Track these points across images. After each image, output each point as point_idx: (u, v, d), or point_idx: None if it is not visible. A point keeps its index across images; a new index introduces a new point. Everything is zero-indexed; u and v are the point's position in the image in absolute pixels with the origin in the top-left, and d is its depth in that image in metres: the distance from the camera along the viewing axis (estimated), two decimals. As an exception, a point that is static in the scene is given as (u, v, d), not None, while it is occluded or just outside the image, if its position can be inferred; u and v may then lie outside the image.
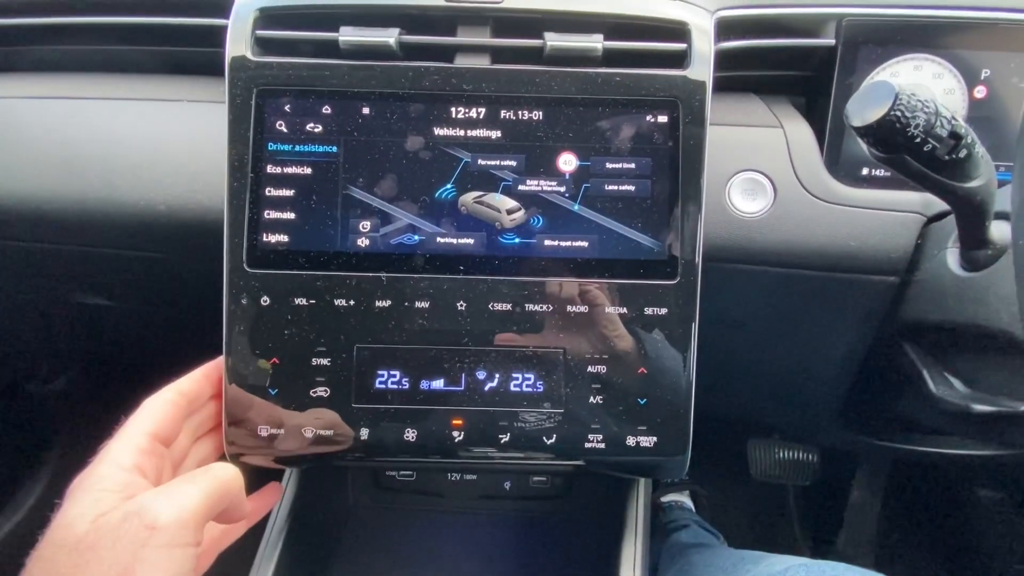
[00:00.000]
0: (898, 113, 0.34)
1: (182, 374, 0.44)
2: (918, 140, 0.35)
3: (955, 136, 0.35)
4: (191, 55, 0.55)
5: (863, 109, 0.35)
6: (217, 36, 0.48)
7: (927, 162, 0.37)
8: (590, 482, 0.65)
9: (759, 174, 0.52)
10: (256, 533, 0.53)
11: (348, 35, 0.46)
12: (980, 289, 0.42)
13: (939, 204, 0.51)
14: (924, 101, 0.34)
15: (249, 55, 0.46)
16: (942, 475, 1.02)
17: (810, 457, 0.98)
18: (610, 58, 0.47)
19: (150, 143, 0.54)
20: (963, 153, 0.36)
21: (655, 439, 0.46)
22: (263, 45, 0.47)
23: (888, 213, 0.51)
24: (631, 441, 0.46)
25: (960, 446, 0.59)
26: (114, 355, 0.93)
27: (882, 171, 0.54)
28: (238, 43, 0.46)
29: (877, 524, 1.04)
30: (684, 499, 0.95)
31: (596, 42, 0.46)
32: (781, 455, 0.99)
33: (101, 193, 0.54)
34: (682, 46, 0.47)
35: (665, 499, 0.94)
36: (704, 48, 0.47)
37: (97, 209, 0.54)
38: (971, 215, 0.41)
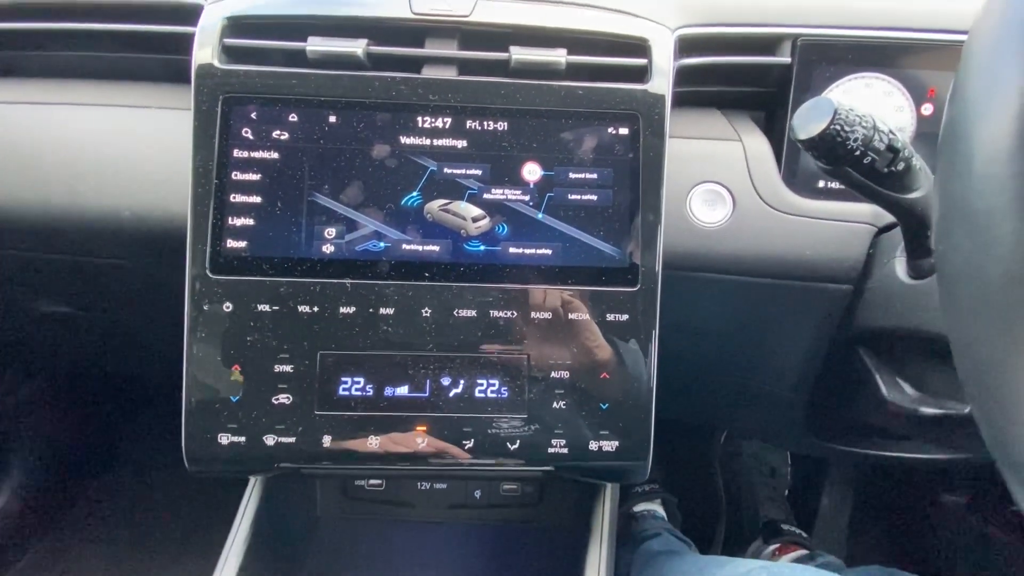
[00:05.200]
0: (837, 127, 0.35)
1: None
2: (857, 153, 0.36)
3: (892, 149, 0.37)
4: (159, 62, 0.55)
5: (807, 123, 0.37)
6: (186, 43, 0.49)
7: (868, 174, 0.39)
8: (560, 490, 0.65)
9: (719, 185, 0.53)
10: (218, 542, 0.52)
11: (316, 45, 0.47)
12: (924, 296, 0.44)
13: (889, 215, 0.53)
14: (862, 116, 0.36)
15: (216, 63, 0.47)
16: (909, 479, 1.05)
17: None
18: (574, 71, 0.48)
19: (116, 149, 0.53)
20: (901, 166, 0.38)
21: (617, 443, 0.46)
22: (230, 53, 0.48)
23: (841, 224, 0.53)
24: (593, 446, 0.46)
25: (916, 450, 0.61)
26: (79, 364, 0.91)
27: (837, 184, 0.57)
28: (205, 50, 0.47)
29: (847, 528, 1.06)
30: (656, 508, 0.95)
31: (560, 56, 0.47)
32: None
33: (65, 199, 0.53)
34: (643, 61, 0.49)
35: (637, 508, 0.94)
36: (664, 64, 0.49)
37: (61, 215, 0.53)
38: (914, 225, 0.42)
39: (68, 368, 0.99)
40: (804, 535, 0.95)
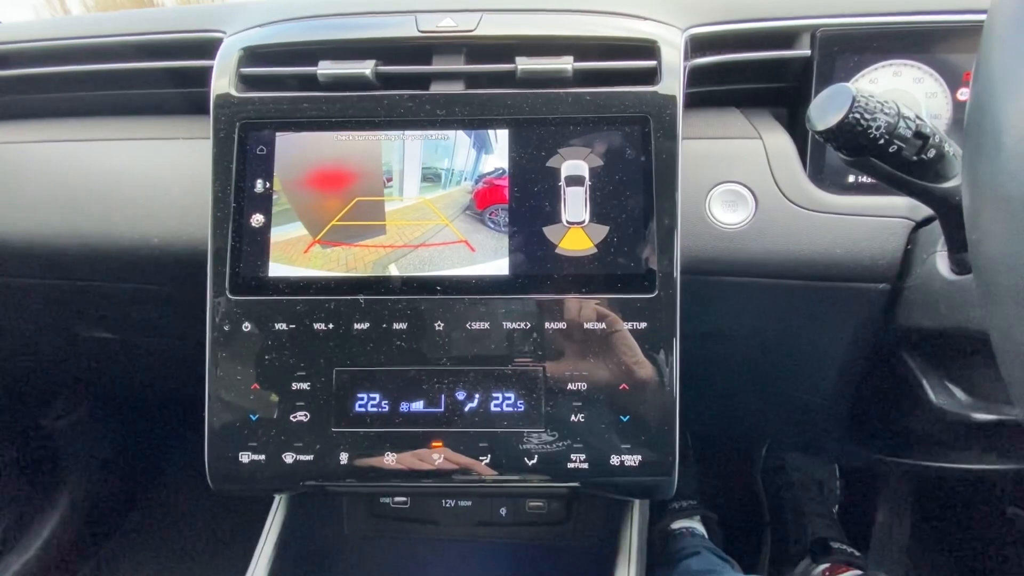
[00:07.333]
0: (857, 116, 0.33)
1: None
2: (881, 142, 0.34)
3: (920, 136, 0.35)
4: (180, 95, 0.58)
5: (824, 114, 0.35)
6: (206, 76, 0.51)
7: (897, 164, 0.36)
8: (587, 507, 0.63)
9: (739, 185, 0.51)
10: (242, 563, 0.53)
11: (326, 68, 0.48)
12: (969, 292, 0.41)
13: (927, 208, 0.50)
14: (884, 103, 0.34)
15: (233, 92, 0.48)
16: (973, 492, 0.97)
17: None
18: (582, 78, 0.48)
19: (144, 180, 0.56)
20: (932, 153, 0.35)
21: (640, 457, 0.44)
22: (246, 82, 0.49)
23: (874, 219, 0.50)
24: (615, 460, 0.44)
25: (973, 460, 0.56)
26: (122, 386, 0.95)
27: (868, 178, 0.53)
28: (222, 80, 0.49)
29: (906, 545, 0.99)
30: (695, 525, 0.91)
31: (566, 64, 0.47)
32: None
33: (100, 229, 0.56)
34: (651, 63, 0.48)
35: (675, 526, 0.90)
36: (674, 64, 0.48)
37: (96, 245, 0.56)
38: (952, 216, 0.39)
39: (113, 390, 1.04)
40: (857, 554, 0.89)
